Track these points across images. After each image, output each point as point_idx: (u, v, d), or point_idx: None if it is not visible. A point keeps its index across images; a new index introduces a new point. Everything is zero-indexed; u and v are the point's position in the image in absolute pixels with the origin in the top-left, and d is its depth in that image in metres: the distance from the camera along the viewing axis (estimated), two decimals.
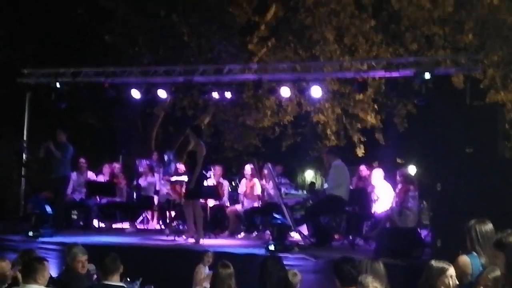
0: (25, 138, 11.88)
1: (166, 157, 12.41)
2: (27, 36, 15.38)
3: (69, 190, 11.58)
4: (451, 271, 4.30)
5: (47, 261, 5.18)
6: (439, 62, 11.07)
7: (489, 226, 4.86)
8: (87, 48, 14.94)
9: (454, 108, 7.82)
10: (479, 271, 4.38)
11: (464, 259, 4.73)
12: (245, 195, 11.18)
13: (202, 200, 10.87)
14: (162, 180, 11.77)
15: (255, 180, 11.11)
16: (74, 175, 11.73)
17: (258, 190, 11.10)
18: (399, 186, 9.86)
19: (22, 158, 11.30)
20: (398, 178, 9.95)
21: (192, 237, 9.38)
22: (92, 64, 12.45)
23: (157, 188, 11.73)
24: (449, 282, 4.26)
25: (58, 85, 11.77)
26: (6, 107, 14.89)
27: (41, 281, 4.90)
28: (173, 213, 11.35)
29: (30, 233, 9.37)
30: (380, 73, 11.72)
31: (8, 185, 11.98)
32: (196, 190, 9.34)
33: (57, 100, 11.93)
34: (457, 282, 4.32)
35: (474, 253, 4.75)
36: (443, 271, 4.30)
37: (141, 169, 12.12)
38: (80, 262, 5.71)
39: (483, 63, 11.09)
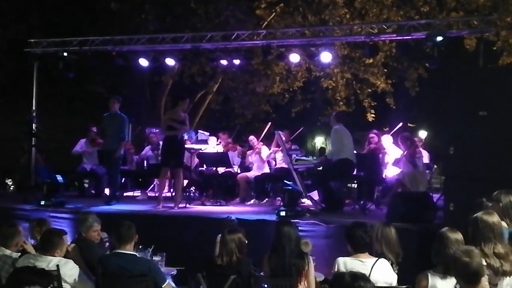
0: (34, 108, 11.85)
1: None
2: (33, 6, 15.24)
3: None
4: None
5: (66, 233, 5.21)
6: (451, 25, 10.84)
7: None
8: (93, 16, 14.79)
9: (467, 71, 7.63)
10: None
11: None
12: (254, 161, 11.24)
13: (212, 168, 10.93)
14: None
15: (261, 146, 11.14)
16: (84, 144, 11.77)
17: (265, 155, 11.12)
18: (404, 150, 9.82)
19: (32, 128, 11.27)
20: (401, 142, 9.91)
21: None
22: (99, 33, 12.33)
23: None
24: None
25: (65, 54, 11.71)
26: (15, 78, 14.87)
27: (59, 254, 4.94)
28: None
29: (42, 202, 9.44)
30: (391, 37, 11.52)
31: (19, 155, 12.00)
32: None
33: (64, 70, 11.87)
34: None
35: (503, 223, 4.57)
36: None
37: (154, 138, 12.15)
38: (96, 231, 5.85)
39: (496, 25, 10.85)
